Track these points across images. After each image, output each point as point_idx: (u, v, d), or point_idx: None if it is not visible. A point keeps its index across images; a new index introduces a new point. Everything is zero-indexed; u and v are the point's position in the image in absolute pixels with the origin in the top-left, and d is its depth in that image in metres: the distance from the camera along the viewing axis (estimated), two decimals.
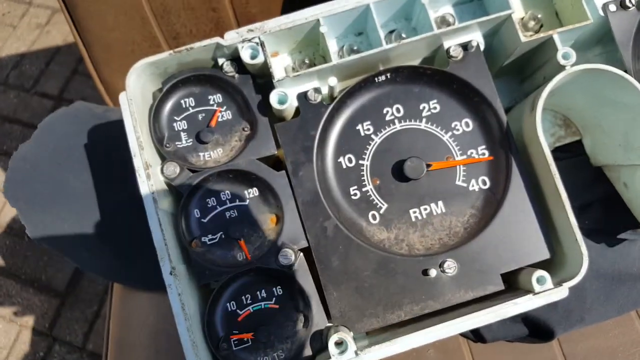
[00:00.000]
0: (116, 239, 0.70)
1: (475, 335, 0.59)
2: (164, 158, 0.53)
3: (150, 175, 0.49)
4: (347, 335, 0.47)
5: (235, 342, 0.50)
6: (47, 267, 1.56)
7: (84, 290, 1.51)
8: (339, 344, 0.48)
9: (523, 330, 0.59)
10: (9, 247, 1.58)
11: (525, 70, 0.62)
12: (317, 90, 0.53)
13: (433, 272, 0.50)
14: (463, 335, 0.59)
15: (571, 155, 0.64)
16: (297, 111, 0.54)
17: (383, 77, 0.53)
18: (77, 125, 0.77)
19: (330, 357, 0.46)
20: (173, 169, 0.51)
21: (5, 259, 1.57)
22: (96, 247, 0.71)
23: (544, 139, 0.49)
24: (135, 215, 0.71)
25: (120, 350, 0.64)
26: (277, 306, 0.51)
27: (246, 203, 0.53)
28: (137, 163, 0.49)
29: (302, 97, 0.53)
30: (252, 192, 0.53)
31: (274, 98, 0.52)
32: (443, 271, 0.50)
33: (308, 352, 0.49)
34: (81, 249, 0.73)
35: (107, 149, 0.75)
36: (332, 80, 0.51)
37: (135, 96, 0.52)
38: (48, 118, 0.79)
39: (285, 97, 0.52)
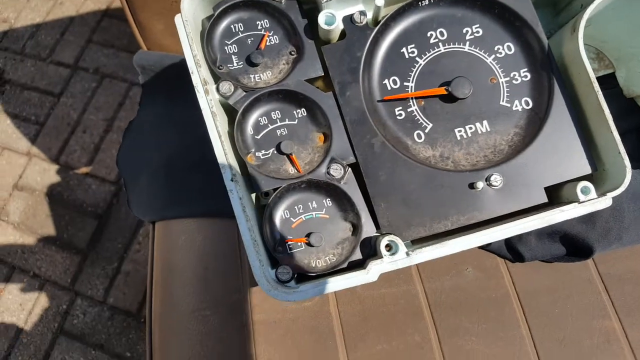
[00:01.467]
0: (171, 175, 0.73)
1: (514, 255, 0.62)
2: (217, 80, 0.55)
3: (209, 91, 0.52)
4: (397, 238, 0.50)
5: (290, 246, 0.52)
6: (69, 226, 1.59)
7: (104, 248, 1.55)
8: (389, 247, 0.50)
9: (561, 250, 0.61)
10: (31, 207, 1.61)
11: (560, 2, 0.64)
12: (362, 13, 0.55)
13: (480, 185, 0.52)
14: (501, 255, 0.62)
15: (604, 88, 0.66)
16: (342, 34, 0.56)
17: (426, 1, 0.55)
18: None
19: (381, 259, 0.49)
20: (228, 87, 0.53)
21: (29, 218, 1.60)
22: (153, 181, 0.74)
23: (586, 57, 0.51)
24: (190, 150, 0.75)
25: (167, 273, 0.67)
26: (327, 216, 0.53)
27: (295, 122, 0.55)
28: (195, 79, 0.52)
29: (348, 19, 0.55)
30: (301, 112, 0.55)
31: (322, 19, 0.54)
32: (489, 184, 0.52)
33: (358, 256, 0.52)
34: (140, 181, 0.76)
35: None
36: (379, 0, 0.53)
37: (189, 18, 0.54)
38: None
39: (333, 18, 0.54)
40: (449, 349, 0.58)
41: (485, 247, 0.63)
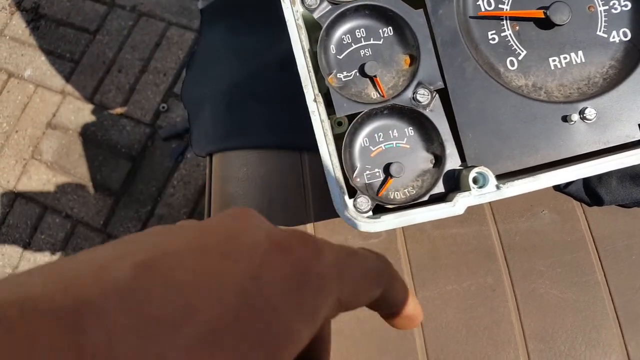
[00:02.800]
0: (233, 105, 0.70)
1: (592, 199, 0.59)
2: None
3: (295, 2, 0.48)
4: (487, 170, 0.47)
5: (368, 175, 0.50)
6: (102, 167, 1.58)
7: (138, 191, 1.54)
8: (476, 180, 0.47)
9: None
10: (65, 146, 1.60)
11: None
12: None
13: (574, 117, 0.49)
14: (579, 198, 0.59)
15: None
16: None
17: None
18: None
19: (468, 192, 0.46)
20: None
21: (62, 157, 1.60)
22: (215, 112, 0.72)
23: None
24: (254, 79, 0.71)
25: (227, 205, 0.65)
26: (408, 146, 0.50)
27: (380, 42, 0.51)
28: None
29: None
30: (387, 32, 0.51)
31: None
32: (583, 118, 0.49)
33: (440, 189, 0.49)
34: (203, 114, 0.74)
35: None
36: None
37: None
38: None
39: None
40: (522, 292, 0.56)
41: (563, 189, 0.60)
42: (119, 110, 1.61)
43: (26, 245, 1.55)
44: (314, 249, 0.20)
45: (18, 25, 1.75)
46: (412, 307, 0.27)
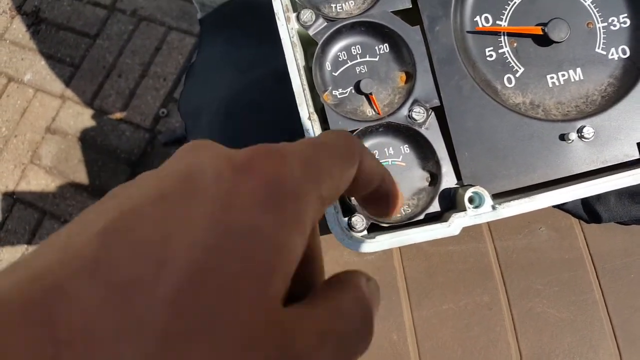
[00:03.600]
0: (231, 115, 0.70)
1: (590, 216, 0.58)
2: (296, 8, 0.51)
3: (290, 19, 0.48)
4: (483, 190, 0.46)
5: None
6: (101, 172, 1.57)
7: None
8: (472, 200, 0.47)
9: None
10: (64, 151, 1.60)
11: None
12: None
13: (572, 136, 0.48)
14: (577, 215, 0.58)
15: None
16: None
17: None
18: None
19: (463, 212, 0.46)
20: (309, 15, 0.49)
21: (61, 162, 1.59)
22: (212, 122, 0.71)
23: None
24: (252, 90, 0.71)
25: None
26: (404, 164, 0.50)
27: (376, 59, 0.51)
28: (277, 6, 0.48)
29: None
30: (383, 48, 0.51)
31: None
32: (581, 136, 0.48)
33: (435, 208, 0.49)
34: (200, 124, 0.73)
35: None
36: None
37: None
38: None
39: None
40: (519, 311, 0.55)
41: (561, 207, 0.59)
42: (118, 115, 1.61)
43: (25, 251, 1.54)
44: (279, 157, 0.19)
45: (18, 29, 1.75)
46: (388, 181, 0.26)
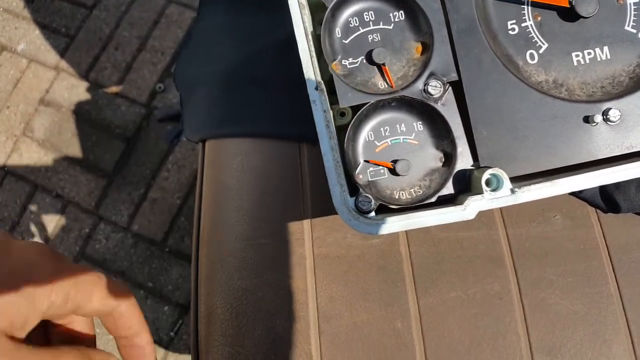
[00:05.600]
0: (230, 90, 0.66)
1: (608, 205, 0.55)
2: None
3: None
4: (502, 172, 0.43)
5: (372, 172, 0.46)
6: (95, 147, 1.54)
7: (131, 173, 1.50)
8: (489, 182, 0.44)
9: None
10: (57, 124, 1.56)
11: None
12: None
13: (597, 118, 0.45)
14: (594, 204, 0.55)
15: None
16: None
17: None
18: None
19: (480, 195, 0.43)
20: None
21: (54, 135, 1.55)
22: (210, 96, 0.67)
23: None
24: (253, 63, 0.67)
25: (219, 196, 0.61)
26: (416, 142, 0.47)
27: (390, 27, 0.47)
28: None
29: None
30: (398, 16, 0.47)
31: None
32: (607, 119, 0.45)
33: (449, 190, 0.46)
34: (197, 97, 0.70)
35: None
36: None
37: None
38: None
39: None
40: (530, 302, 0.53)
41: (577, 194, 0.56)
42: (114, 89, 1.57)
43: (15, 225, 1.51)
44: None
45: None
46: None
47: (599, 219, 0.56)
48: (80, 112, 1.56)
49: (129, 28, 1.60)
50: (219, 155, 0.64)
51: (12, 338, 0.27)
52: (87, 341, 0.37)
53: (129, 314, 0.36)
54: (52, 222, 1.50)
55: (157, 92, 1.55)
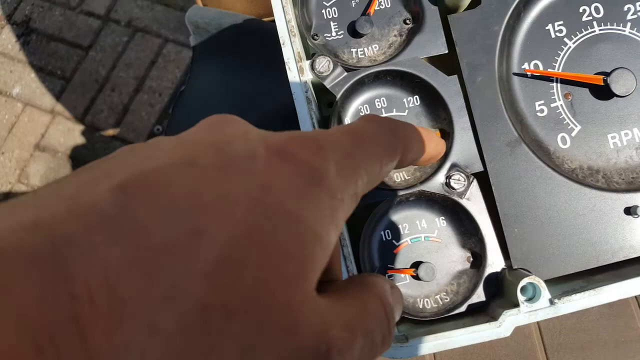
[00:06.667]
0: None
1: None
2: (309, 57, 0.43)
3: (304, 70, 0.39)
4: (538, 280, 0.38)
5: (391, 278, 0.41)
6: None
7: None
8: (524, 290, 0.39)
9: None
10: (53, 170, 1.52)
11: None
12: None
13: None
14: None
15: None
16: (475, 1, 0.43)
17: None
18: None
19: (516, 308, 0.38)
20: (327, 64, 0.40)
21: (49, 182, 1.50)
22: None
23: None
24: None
25: None
26: (439, 240, 0.42)
27: (405, 114, 0.43)
28: (288, 53, 0.39)
29: None
30: (413, 101, 0.43)
31: None
32: None
33: (479, 297, 0.41)
34: None
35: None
36: None
37: None
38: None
39: None
40: None
41: None
42: (111, 131, 1.53)
43: None
44: (316, 148, 0.18)
45: (8, 39, 1.66)
46: (434, 148, 0.25)
47: (639, 306, 0.50)
48: (77, 157, 1.52)
49: (125, 69, 1.56)
50: None
51: None
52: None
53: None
54: None
55: (155, 134, 1.50)
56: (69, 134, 1.54)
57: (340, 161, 0.18)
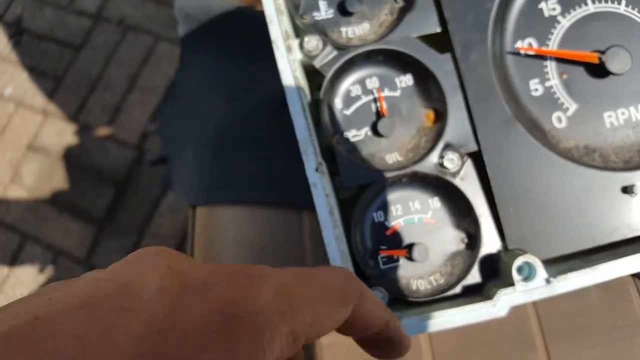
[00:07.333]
0: (221, 150, 0.60)
1: None
2: (298, 34, 0.42)
3: (291, 49, 0.38)
4: (534, 259, 0.37)
5: (384, 259, 0.40)
6: (86, 193, 1.48)
7: (122, 221, 1.44)
8: (520, 270, 0.38)
9: None
10: (46, 170, 1.51)
11: None
12: None
13: (637, 188, 0.39)
14: (635, 275, 0.49)
15: None
16: None
17: None
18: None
19: (511, 287, 0.37)
20: (316, 43, 0.39)
21: (43, 182, 1.50)
22: (199, 157, 0.62)
23: None
24: (244, 121, 0.61)
25: None
26: (433, 221, 0.41)
27: (397, 94, 0.42)
28: (275, 32, 0.38)
29: None
30: (405, 81, 0.42)
31: None
32: None
33: (475, 278, 0.40)
34: (185, 156, 0.64)
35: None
36: None
37: None
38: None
39: None
40: None
41: None
42: (103, 131, 1.51)
43: (5, 278, 1.44)
44: (245, 280, 0.17)
45: None
46: (393, 327, 0.24)
47: (638, 290, 0.50)
48: (70, 157, 1.50)
49: (117, 67, 1.55)
50: (211, 225, 0.58)
51: None
52: None
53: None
54: (44, 273, 1.44)
55: (148, 133, 1.49)
56: (62, 134, 1.53)
57: (275, 297, 0.18)
